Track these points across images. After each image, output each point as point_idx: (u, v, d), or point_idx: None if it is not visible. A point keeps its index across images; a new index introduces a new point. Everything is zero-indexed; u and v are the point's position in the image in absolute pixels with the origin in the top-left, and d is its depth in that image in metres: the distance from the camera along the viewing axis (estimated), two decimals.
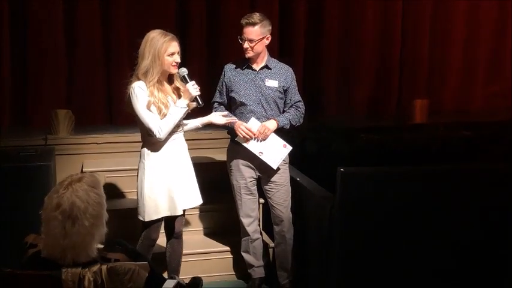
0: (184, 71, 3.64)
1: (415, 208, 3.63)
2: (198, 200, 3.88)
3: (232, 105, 4.05)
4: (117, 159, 4.80)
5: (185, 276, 4.11)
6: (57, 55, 5.86)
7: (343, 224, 3.63)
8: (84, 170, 4.66)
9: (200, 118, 3.90)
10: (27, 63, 5.83)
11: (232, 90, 4.01)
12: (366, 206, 3.59)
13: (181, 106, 3.60)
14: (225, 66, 4.10)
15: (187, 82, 3.64)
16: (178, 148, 3.76)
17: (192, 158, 4.99)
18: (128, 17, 5.92)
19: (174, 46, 3.59)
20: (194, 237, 4.64)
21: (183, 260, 4.26)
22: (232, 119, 3.93)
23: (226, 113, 3.94)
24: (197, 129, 3.96)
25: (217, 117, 3.88)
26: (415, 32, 7.15)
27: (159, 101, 3.55)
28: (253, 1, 6.41)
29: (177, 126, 3.70)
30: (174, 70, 3.63)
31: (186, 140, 4.30)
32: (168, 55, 3.57)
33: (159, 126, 3.55)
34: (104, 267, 2.17)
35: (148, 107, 3.54)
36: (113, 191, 4.12)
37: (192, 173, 3.86)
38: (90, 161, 4.94)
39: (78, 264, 2.18)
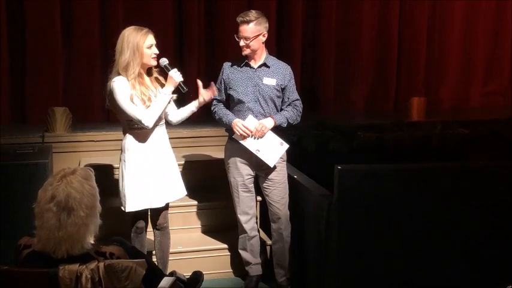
0: (165, 60, 3.72)
1: (412, 206, 3.64)
2: (180, 193, 3.90)
3: (231, 103, 4.04)
4: (114, 157, 4.79)
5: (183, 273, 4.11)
6: (54, 53, 5.86)
7: (340, 221, 3.63)
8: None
9: (193, 102, 3.92)
10: (25, 61, 5.83)
11: (230, 88, 4.01)
12: (363, 203, 3.59)
13: (165, 93, 3.67)
14: (224, 64, 4.10)
15: (170, 70, 3.70)
16: (159, 140, 3.79)
17: (190, 156, 5.04)
18: (125, 15, 5.92)
19: (151, 39, 3.68)
20: (191, 235, 4.65)
21: (180, 257, 4.30)
22: (212, 86, 3.90)
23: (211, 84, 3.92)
24: (192, 113, 3.95)
25: (205, 93, 3.87)
26: (413, 31, 7.16)
27: (141, 94, 3.63)
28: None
29: (159, 118, 3.73)
30: (153, 62, 3.71)
31: (183, 137, 4.29)
32: (147, 47, 3.65)
33: (146, 115, 3.61)
34: (101, 264, 2.17)
35: (132, 99, 3.61)
36: (109, 189, 4.11)
37: (173, 165, 3.88)
38: (87, 158, 4.94)
39: (72, 257, 2.18)
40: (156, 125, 3.72)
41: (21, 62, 5.83)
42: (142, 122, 3.61)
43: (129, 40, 3.62)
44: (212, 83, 3.95)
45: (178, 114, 3.92)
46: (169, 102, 3.73)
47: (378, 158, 4.91)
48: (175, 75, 3.67)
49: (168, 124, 3.94)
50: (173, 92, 3.72)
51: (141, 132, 3.71)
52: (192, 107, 3.91)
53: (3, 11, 5.70)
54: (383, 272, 3.65)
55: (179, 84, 3.68)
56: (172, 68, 3.71)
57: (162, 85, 3.75)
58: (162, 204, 3.80)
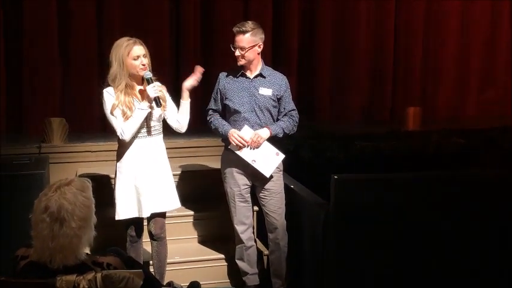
0: (148, 74, 3.69)
1: (409, 215, 3.64)
2: (173, 204, 3.88)
3: (227, 113, 4.06)
4: (111, 167, 4.78)
5: (180, 284, 4.11)
6: (51, 64, 5.87)
7: (337, 230, 3.63)
8: None
9: (181, 101, 3.89)
10: (22, 72, 5.84)
11: (226, 98, 4.02)
12: (360, 213, 3.59)
13: (140, 108, 3.66)
14: (220, 74, 4.12)
15: (149, 84, 3.69)
16: (151, 150, 3.79)
17: (187, 166, 5.04)
18: (122, 27, 5.93)
19: (138, 50, 3.67)
20: (189, 245, 4.64)
21: (177, 267, 4.29)
22: (196, 74, 3.88)
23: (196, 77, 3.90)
24: (185, 105, 3.86)
25: (186, 82, 3.87)
26: (408, 40, 7.20)
27: (123, 104, 3.65)
28: (247, 9, 6.45)
29: (144, 127, 3.74)
30: (142, 72, 3.70)
31: (180, 147, 4.26)
32: (133, 59, 3.65)
33: (121, 129, 3.66)
34: (99, 275, 2.17)
35: (112, 111, 3.66)
36: (107, 199, 4.11)
37: (166, 176, 3.87)
38: (84, 169, 4.93)
39: (67, 268, 2.18)
40: (145, 134, 3.74)
41: (19, 73, 5.84)
42: (118, 134, 3.68)
43: (116, 52, 3.67)
44: (197, 66, 3.92)
45: (179, 116, 3.86)
46: (160, 116, 3.75)
47: (374, 167, 4.92)
48: (151, 91, 3.63)
49: (174, 131, 3.94)
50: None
51: (131, 142, 3.73)
52: (181, 104, 3.87)
53: (1, 21, 5.72)
54: (381, 281, 3.65)
55: (154, 99, 3.65)
56: (152, 82, 3.66)
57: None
58: (146, 214, 3.79)
